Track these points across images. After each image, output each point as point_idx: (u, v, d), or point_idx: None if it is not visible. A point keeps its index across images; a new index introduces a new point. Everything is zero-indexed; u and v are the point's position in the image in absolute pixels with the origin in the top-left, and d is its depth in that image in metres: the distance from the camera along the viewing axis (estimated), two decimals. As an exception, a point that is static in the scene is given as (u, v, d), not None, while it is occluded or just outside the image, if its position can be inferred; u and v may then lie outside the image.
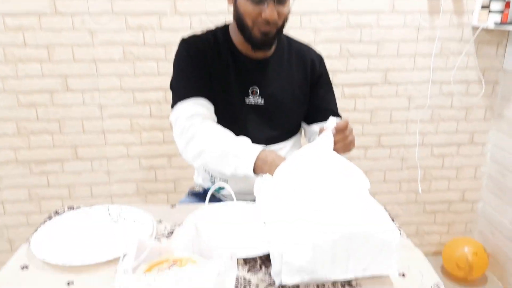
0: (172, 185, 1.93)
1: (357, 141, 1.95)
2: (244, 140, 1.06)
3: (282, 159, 0.99)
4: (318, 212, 0.79)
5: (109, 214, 1.05)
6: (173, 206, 1.11)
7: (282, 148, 1.20)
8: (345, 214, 0.80)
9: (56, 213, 1.06)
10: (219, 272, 0.69)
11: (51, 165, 1.84)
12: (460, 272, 1.97)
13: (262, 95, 1.15)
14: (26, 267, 0.84)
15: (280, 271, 0.77)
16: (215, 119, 1.13)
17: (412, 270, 0.84)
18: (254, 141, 1.07)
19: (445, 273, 2.08)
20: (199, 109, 1.09)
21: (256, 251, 0.87)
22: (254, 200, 1.22)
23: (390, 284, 0.80)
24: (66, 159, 1.83)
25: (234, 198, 0.89)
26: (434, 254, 2.20)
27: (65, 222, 1.00)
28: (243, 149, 1.03)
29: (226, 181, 1.19)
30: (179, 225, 1.01)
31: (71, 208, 1.09)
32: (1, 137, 1.77)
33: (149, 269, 0.75)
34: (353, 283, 0.80)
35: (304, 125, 1.26)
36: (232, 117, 1.13)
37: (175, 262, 0.76)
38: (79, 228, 0.99)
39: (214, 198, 1.26)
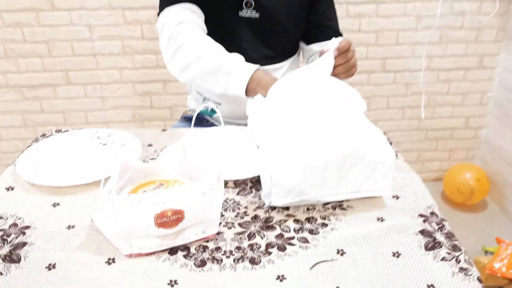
0: (168, 112, 1.89)
1: (361, 65, 1.87)
2: (238, 57, 0.99)
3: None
4: (311, 133, 0.76)
5: (98, 137, 1.02)
6: (164, 130, 1.08)
7: (278, 69, 1.14)
8: (339, 135, 0.76)
9: (44, 135, 1.04)
10: (204, 192, 0.67)
11: (43, 90, 1.79)
12: (460, 197, 1.98)
13: (257, 8, 1.06)
14: (12, 188, 0.83)
15: (269, 192, 0.75)
16: (205, 30, 1.05)
17: (406, 193, 0.82)
18: (248, 59, 1.01)
19: (445, 198, 2.10)
20: (189, 15, 1.01)
21: (246, 174, 0.85)
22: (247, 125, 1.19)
23: (383, 205, 0.78)
24: (58, 83, 1.78)
25: (222, 122, 0.85)
26: (434, 181, 2.21)
27: (52, 145, 0.97)
28: (236, 67, 0.97)
29: (219, 104, 1.15)
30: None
31: (59, 131, 1.06)
32: (-12, 60, 1.71)
33: (134, 190, 0.73)
34: (345, 205, 0.79)
35: (302, 45, 1.19)
36: (224, 31, 1.05)
37: (161, 184, 0.74)
38: (66, 150, 0.96)
39: (207, 124, 1.23)
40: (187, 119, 1.24)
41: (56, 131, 1.06)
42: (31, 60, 1.73)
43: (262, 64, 1.09)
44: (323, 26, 1.13)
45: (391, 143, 1.02)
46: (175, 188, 0.67)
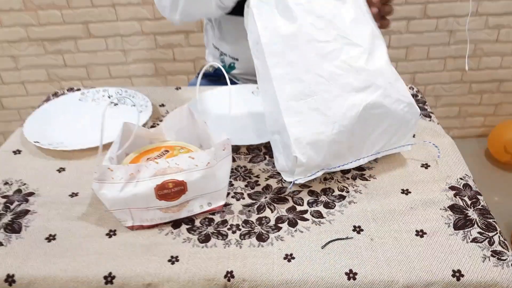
0: (191, 65, 1.83)
1: (399, 11, 1.71)
2: None
3: None
4: (333, 86, 0.67)
5: (109, 97, 0.98)
6: (178, 88, 1.02)
7: None
8: (362, 88, 0.67)
9: (56, 94, 1.01)
10: (209, 162, 0.62)
11: (65, 43, 1.76)
12: (507, 156, 1.84)
13: None
14: (19, 151, 0.81)
15: (290, 169, 0.68)
16: None
17: (437, 161, 0.74)
18: None
19: (489, 157, 1.97)
20: None
21: (261, 139, 0.79)
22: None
23: (409, 175, 0.71)
24: (79, 36, 1.74)
25: (228, 82, 0.77)
26: (478, 137, 2.07)
27: (61, 105, 0.94)
28: None
29: (236, 59, 1.07)
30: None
31: (71, 89, 1.02)
32: (8, 12, 1.68)
33: (137, 158, 0.69)
34: (366, 174, 0.72)
35: None
36: None
37: (166, 151, 0.70)
38: (75, 111, 0.93)
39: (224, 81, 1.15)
40: (204, 76, 1.18)
41: (68, 90, 1.03)
42: (51, 12, 1.69)
43: None
44: None
45: (421, 98, 0.92)
46: (178, 157, 0.62)
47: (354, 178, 0.71)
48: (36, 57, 1.79)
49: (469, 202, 0.65)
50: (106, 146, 0.74)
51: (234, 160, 0.76)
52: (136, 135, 0.69)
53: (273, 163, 0.75)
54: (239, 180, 0.72)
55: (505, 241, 0.59)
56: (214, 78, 1.15)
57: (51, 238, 0.62)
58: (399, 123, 0.69)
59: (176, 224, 0.63)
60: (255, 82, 1.12)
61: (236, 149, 0.79)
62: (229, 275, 0.55)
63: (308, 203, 0.66)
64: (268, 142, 0.79)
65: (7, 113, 1.93)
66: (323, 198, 0.67)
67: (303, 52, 0.67)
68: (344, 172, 0.72)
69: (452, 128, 2.03)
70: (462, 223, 0.62)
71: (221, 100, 0.92)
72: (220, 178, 0.65)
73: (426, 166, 0.73)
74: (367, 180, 0.70)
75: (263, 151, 0.79)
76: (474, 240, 0.59)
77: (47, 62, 1.80)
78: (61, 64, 1.81)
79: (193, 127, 0.74)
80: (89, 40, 1.75)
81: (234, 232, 0.62)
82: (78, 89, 1.02)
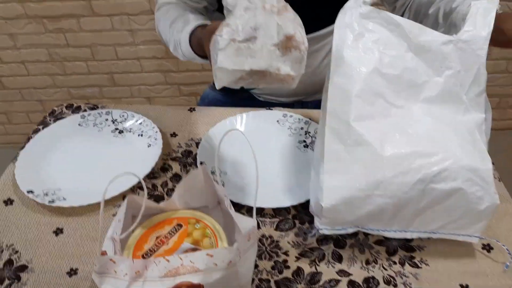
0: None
1: None
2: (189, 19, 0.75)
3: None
4: (386, 139, 0.57)
5: (113, 121, 0.86)
6: (191, 109, 0.90)
7: None
8: (425, 152, 0.57)
9: (52, 113, 0.89)
10: (230, 261, 0.51)
11: (66, 22, 1.61)
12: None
13: None
14: (11, 201, 0.71)
15: (320, 219, 0.60)
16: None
17: (504, 239, 0.62)
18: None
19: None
20: None
21: (289, 201, 0.68)
22: (294, 104, 0.95)
23: (469, 262, 0.60)
24: (81, 14, 1.59)
25: (254, 156, 0.62)
26: (513, 128, 1.92)
27: (58, 133, 0.83)
28: (181, 32, 0.75)
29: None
30: (195, 140, 0.81)
31: (70, 106, 0.91)
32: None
33: (145, 237, 0.58)
34: (417, 258, 0.61)
35: None
36: None
37: (179, 225, 0.59)
38: (74, 141, 0.82)
39: (247, 95, 1.02)
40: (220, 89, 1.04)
41: (67, 107, 0.91)
42: (49, -14, 1.53)
43: (314, 29, 0.84)
44: None
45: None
46: (193, 255, 0.52)
47: (402, 263, 0.60)
48: (36, 35, 1.65)
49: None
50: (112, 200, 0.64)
51: (258, 226, 0.66)
52: (145, 206, 0.59)
53: (304, 232, 0.65)
54: (265, 259, 0.62)
55: None
56: (230, 92, 1.02)
57: None
58: (468, 208, 0.57)
59: (191, 325, 0.54)
60: (279, 104, 0.99)
61: (259, 210, 0.68)
62: None
63: (348, 300, 0.56)
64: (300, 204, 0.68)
65: (8, 93, 1.82)
66: (365, 292, 0.57)
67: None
68: (390, 252, 0.62)
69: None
70: None
71: (242, 143, 0.80)
72: (244, 275, 0.55)
73: (488, 248, 0.62)
74: (418, 267, 0.60)
75: (292, 213, 0.68)
76: None
77: (48, 41, 1.66)
78: (63, 44, 1.67)
79: (210, 189, 0.63)
80: (93, 18, 1.60)
81: None
82: (78, 107, 0.91)
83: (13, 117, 1.91)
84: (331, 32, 0.78)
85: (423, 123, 0.59)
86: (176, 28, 0.77)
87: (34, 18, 1.60)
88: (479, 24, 0.59)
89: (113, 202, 0.70)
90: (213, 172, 0.74)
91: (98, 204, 0.69)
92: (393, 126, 0.59)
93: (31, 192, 0.70)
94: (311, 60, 0.86)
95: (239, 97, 1.01)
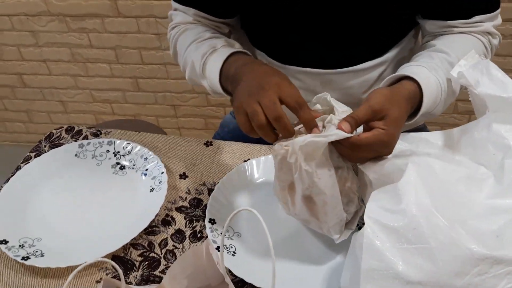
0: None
1: None
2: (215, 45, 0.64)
3: (261, 66, 0.57)
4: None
5: (115, 154, 0.74)
6: (208, 144, 0.77)
7: (376, 68, 0.71)
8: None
9: (48, 137, 0.79)
10: None
11: (91, 22, 1.52)
12: None
13: None
14: (-18, 253, 0.60)
15: None
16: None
17: None
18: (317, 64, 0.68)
19: None
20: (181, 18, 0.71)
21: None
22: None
23: None
24: (106, 14, 1.49)
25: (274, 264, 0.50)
26: None
27: (51, 165, 0.72)
28: (206, 63, 0.64)
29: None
30: (208, 186, 0.68)
31: (70, 130, 0.80)
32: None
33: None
34: None
35: (423, 22, 0.69)
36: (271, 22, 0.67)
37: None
38: (68, 176, 0.71)
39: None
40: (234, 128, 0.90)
41: (67, 130, 0.80)
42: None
43: (343, 67, 0.69)
44: None
45: None
46: None
47: None
48: (58, 34, 1.57)
49: None
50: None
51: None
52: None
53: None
54: None
55: None
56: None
57: None
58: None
59: None
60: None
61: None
62: None
63: None
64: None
65: (30, 91, 1.76)
66: None
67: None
68: None
69: None
70: None
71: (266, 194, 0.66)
72: None
73: None
74: None
75: (317, 302, 0.54)
76: None
77: (70, 40, 1.58)
78: (87, 44, 1.58)
79: (212, 270, 0.50)
80: (118, 19, 1.50)
81: None
82: (79, 131, 0.79)
83: (34, 116, 1.84)
84: (372, 68, 0.69)
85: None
86: (200, 50, 0.65)
87: (58, 16, 1.52)
88: None
89: (98, 265, 0.58)
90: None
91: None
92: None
93: (5, 242, 0.59)
94: (351, 93, 0.72)
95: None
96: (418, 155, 0.54)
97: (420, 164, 0.48)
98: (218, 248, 0.58)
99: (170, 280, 0.49)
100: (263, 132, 0.51)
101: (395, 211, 0.45)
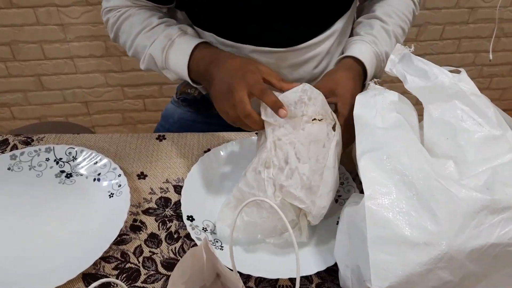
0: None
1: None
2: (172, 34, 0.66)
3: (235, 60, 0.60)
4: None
5: (57, 162, 0.66)
6: (160, 138, 0.72)
7: (326, 41, 0.72)
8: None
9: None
10: None
11: None
12: None
13: None
14: None
15: None
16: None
17: None
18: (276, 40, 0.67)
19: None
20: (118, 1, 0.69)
21: (312, 267, 0.53)
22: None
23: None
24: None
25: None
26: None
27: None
28: (168, 57, 0.66)
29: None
30: (172, 183, 0.64)
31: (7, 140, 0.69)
32: None
33: None
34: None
35: None
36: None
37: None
38: (1, 198, 0.61)
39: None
40: (187, 103, 0.86)
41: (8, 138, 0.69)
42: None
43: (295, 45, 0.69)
44: None
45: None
46: None
47: None
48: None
49: None
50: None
51: (275, 306, 0.51)
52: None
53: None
54: None
55: None
56: (203, 107, 0.84)
57: None
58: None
59: None
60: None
61: (272, 281, 0.53)
62: None
63: None
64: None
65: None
66: None
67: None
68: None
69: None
70: None
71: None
72: None
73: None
74: None
75: (314, 281, 0.53)
76: None
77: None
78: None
79: (210, 264, 0.47)
80: (11, 10, 1.32)
81: None
82: (5, 140, 0.69)
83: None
84: (322, 41, 0.71)
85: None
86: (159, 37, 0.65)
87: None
88: None
89: (69, 285, 0.52)
90: (204, 229, 0.57)
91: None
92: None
93: None
94: (304, 68, 0.73)
95: (212, 114, 0.84)
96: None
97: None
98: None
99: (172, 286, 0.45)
100: (246, 124, 0.56)
101: (391, 178, 0.46)
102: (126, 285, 0.53)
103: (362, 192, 0.48)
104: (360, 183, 0.47)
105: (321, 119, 0.54)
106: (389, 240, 0.44)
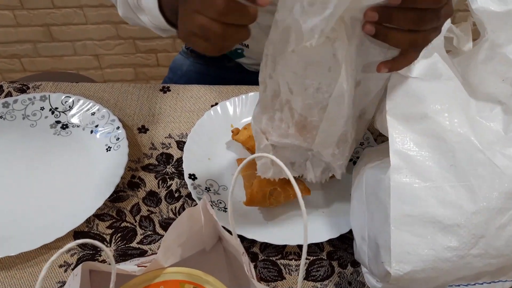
0: None
1: None
2: None
3: None
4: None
5: (52, 111, 0.61)
6: (164, 90, 0.66)
7: None
8: None
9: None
10: None
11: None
12: None
13: None
14: None
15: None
16: None
17: None
18: None
19: None
20: None
21: (324, 234, 0.49)
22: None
23: None
24: None
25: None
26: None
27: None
28: None
29: (245, 45, 0.70)
30: (175, 138, 0.59)
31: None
32: None
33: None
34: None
35: None
36: None
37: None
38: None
39: (233, 64, 0.78)
40: (196, 52, 0.80)
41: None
42: None
43: None
44: None
45: None
46: None
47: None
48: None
49: None
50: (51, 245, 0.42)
51: (281, 274, 0.47)
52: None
53: (349, 282, 0.46)
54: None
55: None
56: (206, 60, 0.78)
57: None
58: None
59: None
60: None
61: (279, 248, 0.49)
62: None
63: None
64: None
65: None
66: None
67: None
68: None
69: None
70: None
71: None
72: None
73: None
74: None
75: (326, 249, 0.49)
76: None
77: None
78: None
79: (209, 226, 0.43)
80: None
81: None
82: (15, 82, 0.65)
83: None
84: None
85: None
86: None
87: None
88: None
89: (58, 243, 0.48)
90: (207, 189, 0.53)
91: (31, 253, 0.47)
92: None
93: None
94: None
95: (224, 67, 0.78)
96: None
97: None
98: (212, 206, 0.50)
99: (165, 252, 0.40)
100: (230, 33, 0.39)
101: (425, 144, 0.40)
102: (121, 245, 0.50)
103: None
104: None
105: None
106: (416, 219, 0.39)
